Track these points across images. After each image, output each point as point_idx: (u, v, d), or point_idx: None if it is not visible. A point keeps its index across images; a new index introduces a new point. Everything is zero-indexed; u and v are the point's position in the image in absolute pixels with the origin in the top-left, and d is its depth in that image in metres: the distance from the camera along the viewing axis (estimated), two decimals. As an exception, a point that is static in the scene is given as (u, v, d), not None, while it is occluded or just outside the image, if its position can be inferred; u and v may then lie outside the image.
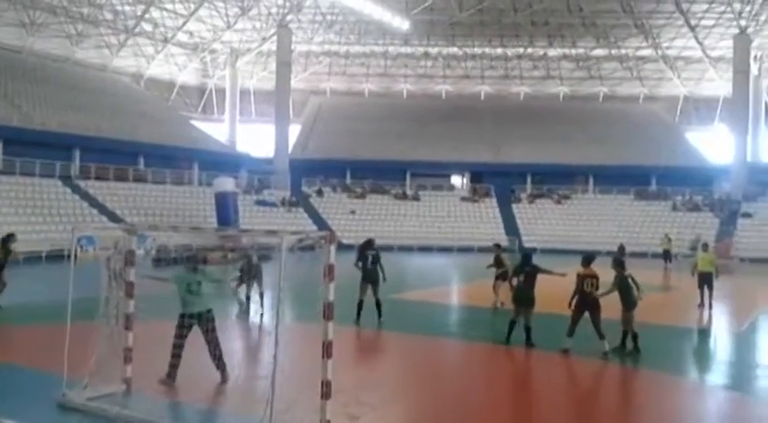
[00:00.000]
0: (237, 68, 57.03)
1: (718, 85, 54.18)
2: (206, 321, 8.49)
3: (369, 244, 13.89)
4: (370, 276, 13.50)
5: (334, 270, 6.50)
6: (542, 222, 43.87)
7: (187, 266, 8.91)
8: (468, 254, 37.12)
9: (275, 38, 49.85)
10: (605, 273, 11.23)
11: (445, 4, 48.21)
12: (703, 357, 12.32)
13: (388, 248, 38.98)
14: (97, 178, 37.30)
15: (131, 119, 42.76)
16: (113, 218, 32.98)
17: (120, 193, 36.79)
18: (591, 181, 48.54)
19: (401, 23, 48.00)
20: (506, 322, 11.77)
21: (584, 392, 9.55)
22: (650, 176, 47.72)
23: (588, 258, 11.27)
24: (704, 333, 14.60)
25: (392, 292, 18.36)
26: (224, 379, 8.59)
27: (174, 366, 8.44)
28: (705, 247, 18.13)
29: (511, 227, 43.61)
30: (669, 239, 32.54)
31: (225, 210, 33.99)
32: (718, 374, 10.75)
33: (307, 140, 53.97)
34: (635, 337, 11.03)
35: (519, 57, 57.67)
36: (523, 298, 11.53)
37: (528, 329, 11.47)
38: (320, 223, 40.92)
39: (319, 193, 46.02)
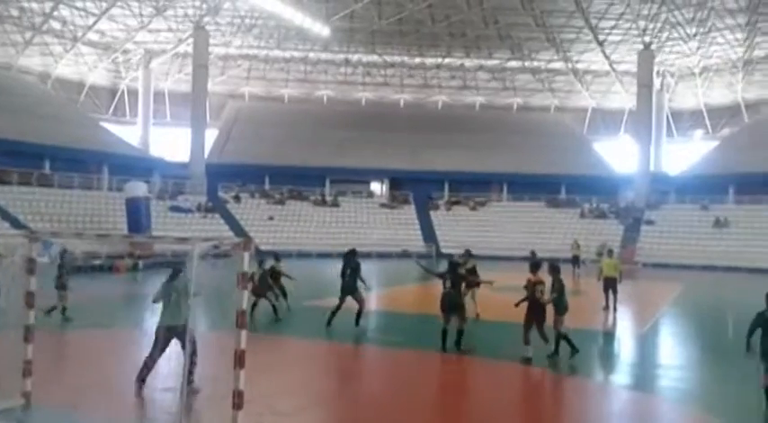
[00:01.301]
0: (151, 70, 55.32)
1: (624, 97, 57.02)
2: (184, 333, 8.07)
3: (351, 254, 13.94)
4: (347, 288, 13.58)
5: (247, 277, 6.41)
6: (459, 229, 44.76)
7: (170, 276, 8.58)
8: (387, 260, 37.39)
9: (191, 39, 48.73)
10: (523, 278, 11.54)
11: (365, 13, 48.56)
12: (609, 359, 12.86)
13: (307, 255, 38.95)
14: (-1, 182, 35.33)
15: (37, 120, 40.63)
16: (16, 224, 31.22)
17: (24, 197, 34.92)
18: (505, 189, 49.99)
19: (321, 29, 47.97)
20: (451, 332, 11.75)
21: (498, 396, 9.79)
22: (560, 185, 49.61)
23: (536, 265, 11.39)
24: (609, 335, 15.25)
25: (309, 299, 18.28)
26: (193, 391, 8.19)
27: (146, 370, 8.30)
28: (610, 253, 19.04)
29: (428, 233, 44.34)
30: (578, 245, 33.81)
31: (136, 216, 32.92)
32: (623, 375, 11.25)
33: (224, 145, 52.98)
34: (567, 338, 11.16)
35: (437, 66, 58.76)
36: (452, 304, 11.63)
37: (460, 334, 11.55)
38: (238, 230, 40.20)
39: (237, 198, 45.24)
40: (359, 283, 13.66)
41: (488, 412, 8.53)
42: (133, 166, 42.82)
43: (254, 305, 14.12)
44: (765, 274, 34.51)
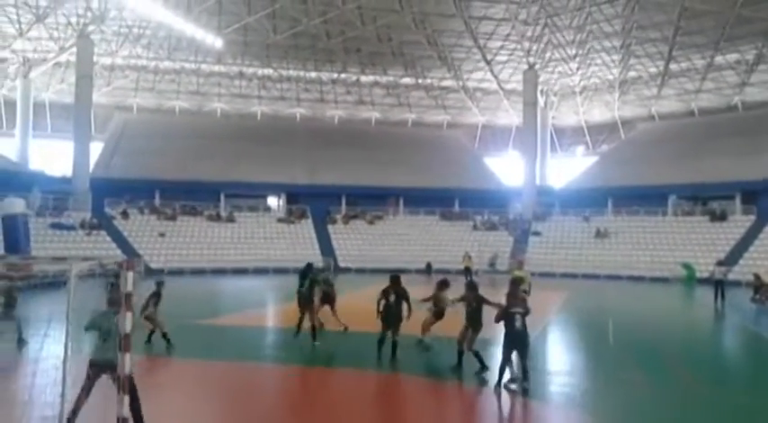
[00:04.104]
0: (31, 79, 52.03)
1: (511, 115, 59.57)
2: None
3: (308, 268, 14.70)
4: (304, 300, 14.16)
5: (131, 299, 6.18)
6: (356, 242, 45.07)
7: (110, 308, 7.49)
8: (284, 275, 36.98)
9: (74, 48, 46.37)
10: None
11: (259, 26, 48.13)
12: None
13: (201, 272, 37.90)
14: None
15: None
16: None
17: None
18: (401, 202, 50.81)
19: (214, 41, 47.06)
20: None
21: (383, 407, 9.91)
22: (454, 198, 51.03)
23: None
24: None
25: (203, 317, 17.79)
26: None
27: (75, 413, 7.26)
28: (520, 264, 19.27)
29: (327, 247, 44.30)
30: (469, 257, 34.91)
31: (14, 234, 30.88)
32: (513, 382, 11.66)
33: (110, 159, 50.61)
34: (477, 354, 11.26)
35: (333, 81, 59.07)
36: (393, 317, 12.07)
37: (395, 344, 12.02)
38: (125, 247, 38.47)
39: (125, 214, 43.32)
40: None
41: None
42: (10, 180, 39.95)
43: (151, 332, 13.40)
44: (642, 281, 37.09)
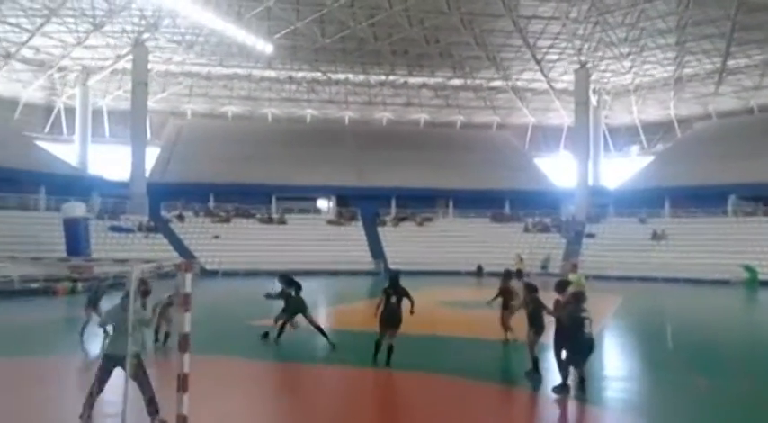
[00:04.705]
0: (89, 87, 53.82)
1: (563, 114, 58.61)
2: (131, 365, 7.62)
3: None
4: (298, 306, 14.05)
5: (190, 299, 6.28)
6: (406, 244, 44.99)
7: (122, 304, 7.82)
8: (335, 277, 37.25)
9: (131, 56, 47.78)
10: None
11: (308, 31, 48.62)
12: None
13: (253, 273, 38.41)
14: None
15: (-33, 139, 39.14)
16: (-56, 248, 29.82)
17: (-45, 219, 33.47)
18: (451, 204, 50.54)
19: (264, 47, 47.76)
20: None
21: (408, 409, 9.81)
22: (504, 200, 50.51)
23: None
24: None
25: (255, 318, 17.98)
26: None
27: (90, 406, 7.73)
28: (574, 267, 18.56)
29: (377, 249, 44.39)
30: (521, 259, 34.39)
31: (75, 237, 31.91)
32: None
33: (166, 163, 51.96)
34: (535, 359, 10.98)
35: (381, 84, 59.22)
36: (395, 319, 11.66)
37: (390, 349, 11.59)
38: (181, 249, 39.40)
39: (180, 217, 44.36)
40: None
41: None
42: (71, 185, 41.53)
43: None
44: (701, 284, 35.91)
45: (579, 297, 10.01)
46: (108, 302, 13.91)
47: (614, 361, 14.23)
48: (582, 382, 9.70)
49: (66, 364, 12.17)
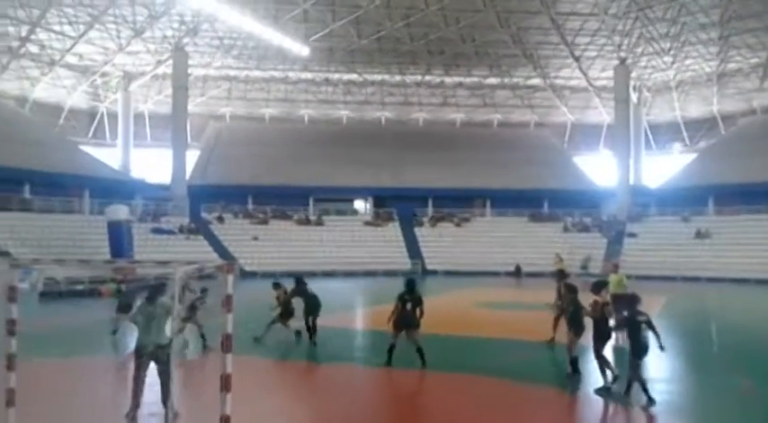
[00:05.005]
0: (131, 92, 55.06)
1: (602, 112, 57.71)
2: (160, 355, 7.94)
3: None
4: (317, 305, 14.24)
5: (232, 300, 6.33)
6: (444, 245, 44.84)
7: (148, 297, 8.31)
8: (372, 278, 37.30)
9: (171, 61, 48.69)
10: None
11: (344, 32, 48.85)
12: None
13: (291, 274, 38.70)
14: (-23, 208, 34.93)
15: (15, 144, 40.23)
16: (-6, 250, 30.79)
17: (4, 223, 34.50)
18: (488, 204, 50.19)
19: (301, 49, 48.14)
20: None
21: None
22: (543, 199, 49.96)
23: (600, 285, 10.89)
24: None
25: (293, 319, 18.12)
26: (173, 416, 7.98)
27: (135, 406, 7.92)
28: (615, 267, 18.09)
29: (414, 250, 44.34)
30: (560, 259, 33.83)
31: (118, 239, 32.63)
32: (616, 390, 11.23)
33: (206, 166, 52.77)
34: (575, 360, 10.87)
35: (417, 84, 59.15)
36: (408, 322, 11.62)
37: (420, 351, 11.56)
38: (221, 250, 39.96)
39: (220, 219, 45.00)
40: None
41: None
42: (114, 188, 42.56)
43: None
44: (747, 283, 34.96)
45: (634, 300, 9.68)
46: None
47: (658, 363, 13.93)
48: (629, 387, 9.44)
49: (116, 363, 12.45)
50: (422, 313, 11.71)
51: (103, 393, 9.98)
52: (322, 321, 14.22)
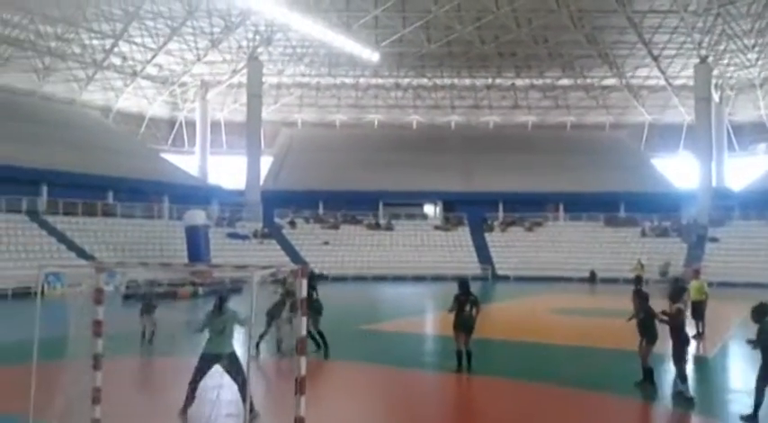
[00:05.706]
0: (208, 100, 56.96)
1: (682, 112, 55.58)
2: (230, 363, 8.40)
3: (312, 277, 13.73)
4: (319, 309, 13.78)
5: (305, 304, 6.45)
6: (515, 250, 44.18)
7: (216, 306, 8.81)
8: (441, 283, 37.09)
9: (246, 70, 50.08)
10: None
11: (414, 37, 48.95)
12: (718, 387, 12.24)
13: (362, 278, 39.05)
14: (65, 213, 36.76)
15: (100, 153, 42.33)
16: (82, 254, 32.40)
17: (89, 228, 36.24)
18: (561, 208, 49.09)
19: (371, 56, 48.54)
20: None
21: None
22: (619, 203, 48.45)
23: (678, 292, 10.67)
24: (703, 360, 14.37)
25: (365, 323, 18.27)
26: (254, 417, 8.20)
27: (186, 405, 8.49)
28: (696, 273, 17.36)
29: (484, 255, 43.89)
30: (642, 265, 32.76)
31: (196, 243, 33.64)
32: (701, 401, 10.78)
33: (279, 172, 53.92)
34: (650, 371, 10.57)
35: (487, 87, 58.59)
36: (468, 325, 11.55)
37: (469, 355, 11.51)
38: (293, 255, 40.68)
39: (292, 224, 45.84)
40: None
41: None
42: (192, 194, 44.02)
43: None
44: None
45: (762, 310, 8.69)
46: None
47: (741, 374, 13.29)
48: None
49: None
50: (478, 312, 11.71)
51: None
52: (392, 326, 14.25)
